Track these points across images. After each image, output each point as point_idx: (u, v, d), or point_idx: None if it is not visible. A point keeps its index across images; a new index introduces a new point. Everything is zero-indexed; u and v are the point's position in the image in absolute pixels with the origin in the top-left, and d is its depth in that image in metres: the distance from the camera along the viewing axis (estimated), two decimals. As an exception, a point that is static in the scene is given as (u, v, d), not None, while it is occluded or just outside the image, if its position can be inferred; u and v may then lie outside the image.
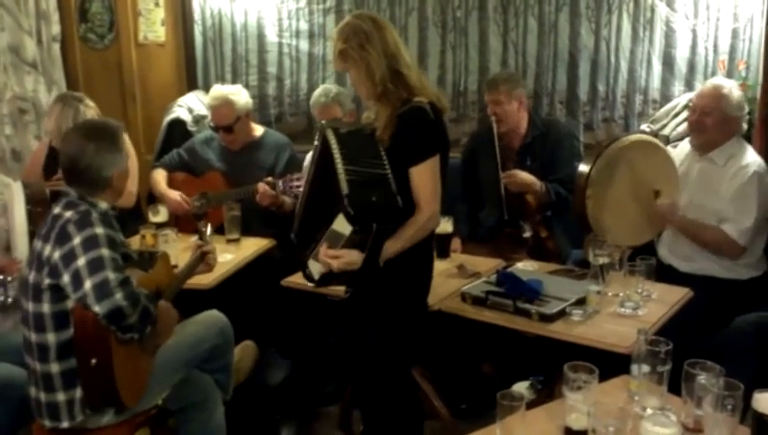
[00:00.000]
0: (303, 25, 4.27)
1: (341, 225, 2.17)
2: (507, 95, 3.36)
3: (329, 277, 2.28)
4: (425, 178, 2.27)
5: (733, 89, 2.96)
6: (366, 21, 2.28)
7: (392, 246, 2.22)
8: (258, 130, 3.75)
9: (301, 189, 2.84)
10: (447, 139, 2.40)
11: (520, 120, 3.43)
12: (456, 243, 3.31)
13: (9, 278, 2.65)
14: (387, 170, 2.22)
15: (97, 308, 2.02)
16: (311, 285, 2.46)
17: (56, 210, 2.21)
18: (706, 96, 2.98)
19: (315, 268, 2.30)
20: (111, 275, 2.05)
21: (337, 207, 2.16)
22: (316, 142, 2.32)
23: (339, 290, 2.47)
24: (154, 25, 4.48)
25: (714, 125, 2.94)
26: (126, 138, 3.64)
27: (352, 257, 2.18)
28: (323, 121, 2.45)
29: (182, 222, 3.51)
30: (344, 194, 2.12)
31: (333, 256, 2.19)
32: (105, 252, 2.08)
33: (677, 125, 3.48)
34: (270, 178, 3.41)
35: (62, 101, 3.45)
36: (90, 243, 2.08)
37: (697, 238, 2.95)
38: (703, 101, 2.99)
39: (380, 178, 2.21)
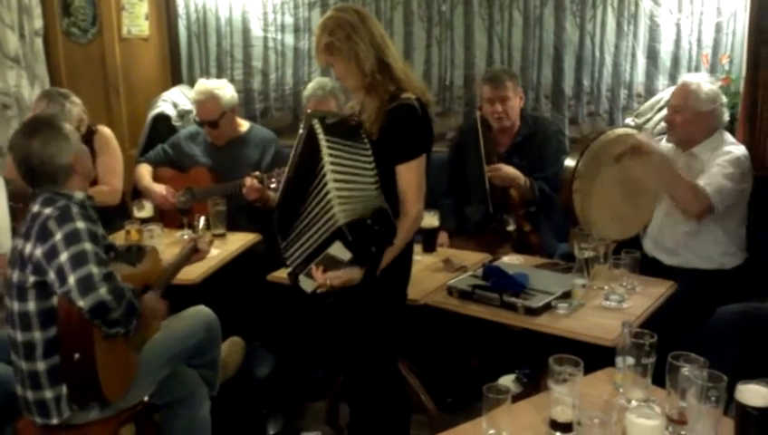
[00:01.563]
0: (289, 19, 4.25)
1: (339, 251, 2.15)
2: (513, 90, 3.38)
3: (324, 293, 2.28)
4: (411, 176, 2.27)
5: (701, 83, 2.94)
6: (350, 13, 2.28)
7: (387, 256, 2.24)
8: (244, 125, 3.73)
9: None
10: (433, 135, 2.40)
11: (517, 117, 3.44)
12: (443, 237, 3.32)
13: None
14: (374, 174, 2.21)
15: (81, 303, 2.02)
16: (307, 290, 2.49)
17: (35, 208, 2.18)
18: (676, 94, 3.00)
19: (308, 284, 2.29)
20: (95, 270, 2.04)
21: (331, 236, 2.14)
22: (301, 131, 2.32)
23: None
24: (138, 19, 4.45)
25: (684, 122, 2.94)
26: (111, 134, 3.67)
27: (353, 275, 2.19)
28: (309, 110, 2.44)
29: (167, 217, 3.49)
30: (341, 224, 2.10)
31: (334, 277, 2.19)
32: (88, 246, 2.07)
33: (662, 119, 3.50)
34: (257, 173, 3.39)
35: (48, 98, 3.41)
36: (71, 238, 2.07)
37: (672, 184, 2.84)
38: (673, 99, 3.01)
39: (370, 187, 2.20)
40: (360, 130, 2.27)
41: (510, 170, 3.29)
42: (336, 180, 2.13)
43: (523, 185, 3.29)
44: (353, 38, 2.24)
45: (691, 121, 2.93)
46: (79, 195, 2.24)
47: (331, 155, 2.16)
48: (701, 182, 2.80)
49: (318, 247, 2.20)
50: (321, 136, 2.20)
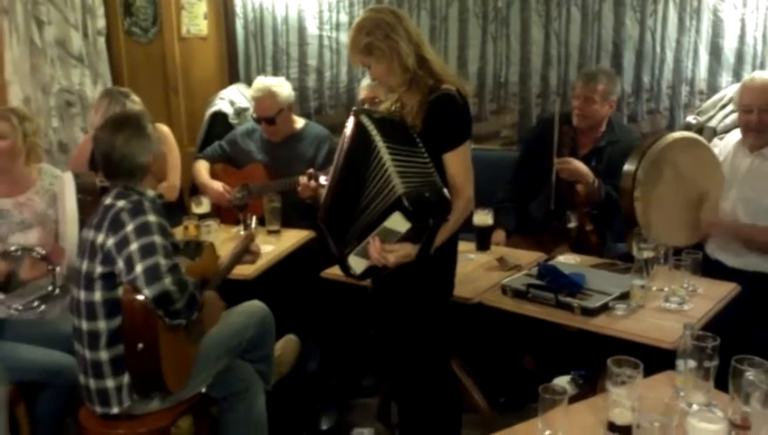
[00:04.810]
0: (344, 18, 4.27)
1: (397, 223, 2.15)
2: (602, 97, 3.28)
3: (373, 270, 2.28)
4: (459, 162, 2.29)
5: None
6: (385, 13, 2.31)
7: (440, 236, 2.24)
8: (299, 122, 3.77)
9: None
10: (471, 124, 2.40)
11: (602, 123, 3.35)
12: (499, 236, 3.29)
13: (57, 268, 2.70)
14: (427, 158, 2.22)
15: (146, 291, 2.08)
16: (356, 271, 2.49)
17: (108, 200, 2.27)
18: (763, 92, 2.82)
19: (358, 264, 2.29)
20: (162, 261, 2.11)
21: (389, 207, 2.13)
22: (346, 129, 2.33)
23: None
24: (196, 19, 4.53)
25: None
26: (168, 132, 3.73)
27: (408, 250, 2.18)
28: (354, 108, 2.46)
29: (224, 213, 3.55)
30: (400, 193, 2.09)
31: (390, 250, 2.18)
32: (157, 238, 2.15)
33: (725, 117, 3.41)
34: (311, 170, 3.42)
35: (109, 97, 3.49)
36: (142, 229, 2.15)
37: (750, 240, 2.85)
38: (761, 97, 2.81)
39: (425, 167, 2.20)
40: (405, 123, 2.31)
41: (579, 165, 3.21)
42: (393, 159, 2.14)
43: (591, 183, 3.22)
44: (392, 36, 2.26)
45: None
46: (150, 193, 2.33)
47: (384, 140, 2.18)
48: None
49: (374, 222, 2.19)
50: (371, 127, 2.22)
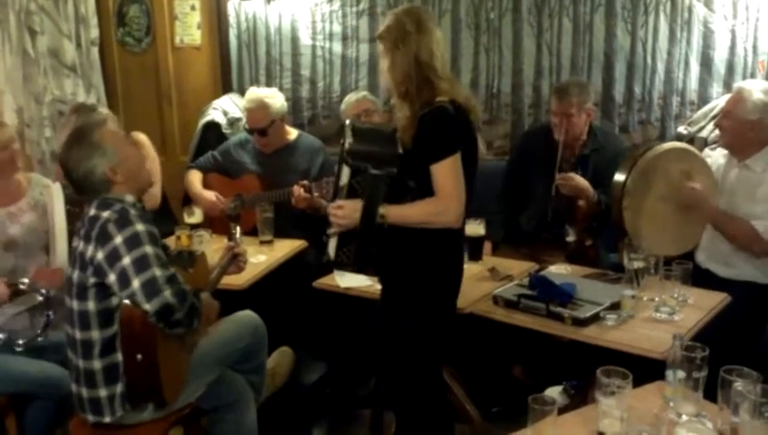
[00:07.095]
0: (337, 28, 4.29)
1: (344, 176, 2.29)
2: (578, 108, 3.27)
3: (342, 243, 2.34)
4: (443, 174, 2.23)
5: (753, 91, 2.86)
6: (410, 21, 2.27)
7: (396, 210, 2.26)
8: (292, 133, 3.77)
9: None
10: (472, 137, 2.37)
11: (582, 131, 3.36)
12: (485, 246, 3.29)
13: (53, 293, 2.67)
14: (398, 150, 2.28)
15: (147, 306, 2.05)
16: (340, 284, 2.55)
17: (92, 211, 2.22)
18: (728, 99, 3.00)
19: (331, 243, 2.38)
20: (158, 272, 2.07)
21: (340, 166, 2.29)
22: (342, 141, 2.36)
23: (373, 292, 2.47)
24: (190, 29, 4.53)
25: (730, 129, 2.90)
26: (145, 138, 3.65)
27: (355, 205, 2.26)
28: (347, 120, 2.47)
29: (216, 223, 3.55)
30: (345, 142, 2.22)
31: (336, 206, 2.29)
32: (149, 249, 2.10)
33: (716, 127, 3.43)
34: (305, 182, 3.42)
35: (77, 113, 3.43)
36: (132, 241, 2.10)
37: (726, 229, 2.87)
38: (725, 103, 3.01)
39: (388, 137, 2.29)
40: (393, 136, 2.29)
41: (581, 181, 3.19)
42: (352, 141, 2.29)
43: (592, 197, 3.19)
44: (398, 46, 2.25)
45: (736, 129, 2.88)
46: (129, 198, 2.26)
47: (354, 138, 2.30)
48: (759, 226, 2.78)
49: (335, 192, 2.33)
50: (349, 135, 2.30)
